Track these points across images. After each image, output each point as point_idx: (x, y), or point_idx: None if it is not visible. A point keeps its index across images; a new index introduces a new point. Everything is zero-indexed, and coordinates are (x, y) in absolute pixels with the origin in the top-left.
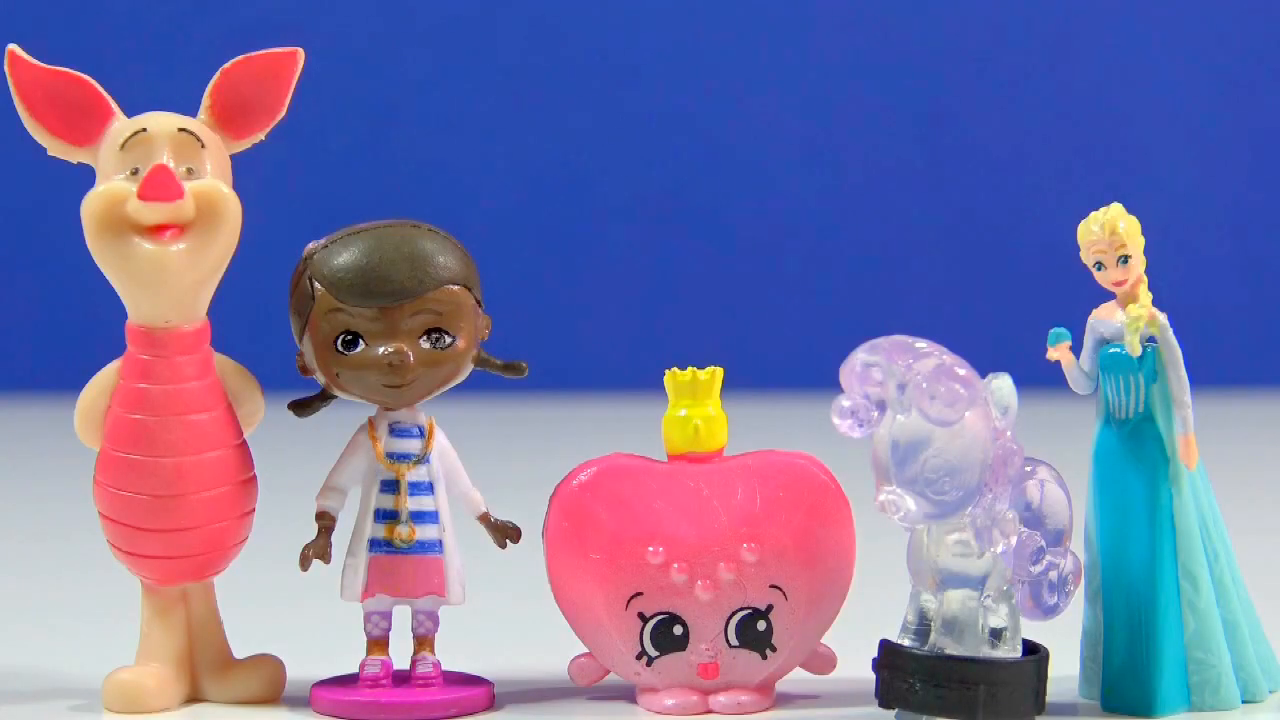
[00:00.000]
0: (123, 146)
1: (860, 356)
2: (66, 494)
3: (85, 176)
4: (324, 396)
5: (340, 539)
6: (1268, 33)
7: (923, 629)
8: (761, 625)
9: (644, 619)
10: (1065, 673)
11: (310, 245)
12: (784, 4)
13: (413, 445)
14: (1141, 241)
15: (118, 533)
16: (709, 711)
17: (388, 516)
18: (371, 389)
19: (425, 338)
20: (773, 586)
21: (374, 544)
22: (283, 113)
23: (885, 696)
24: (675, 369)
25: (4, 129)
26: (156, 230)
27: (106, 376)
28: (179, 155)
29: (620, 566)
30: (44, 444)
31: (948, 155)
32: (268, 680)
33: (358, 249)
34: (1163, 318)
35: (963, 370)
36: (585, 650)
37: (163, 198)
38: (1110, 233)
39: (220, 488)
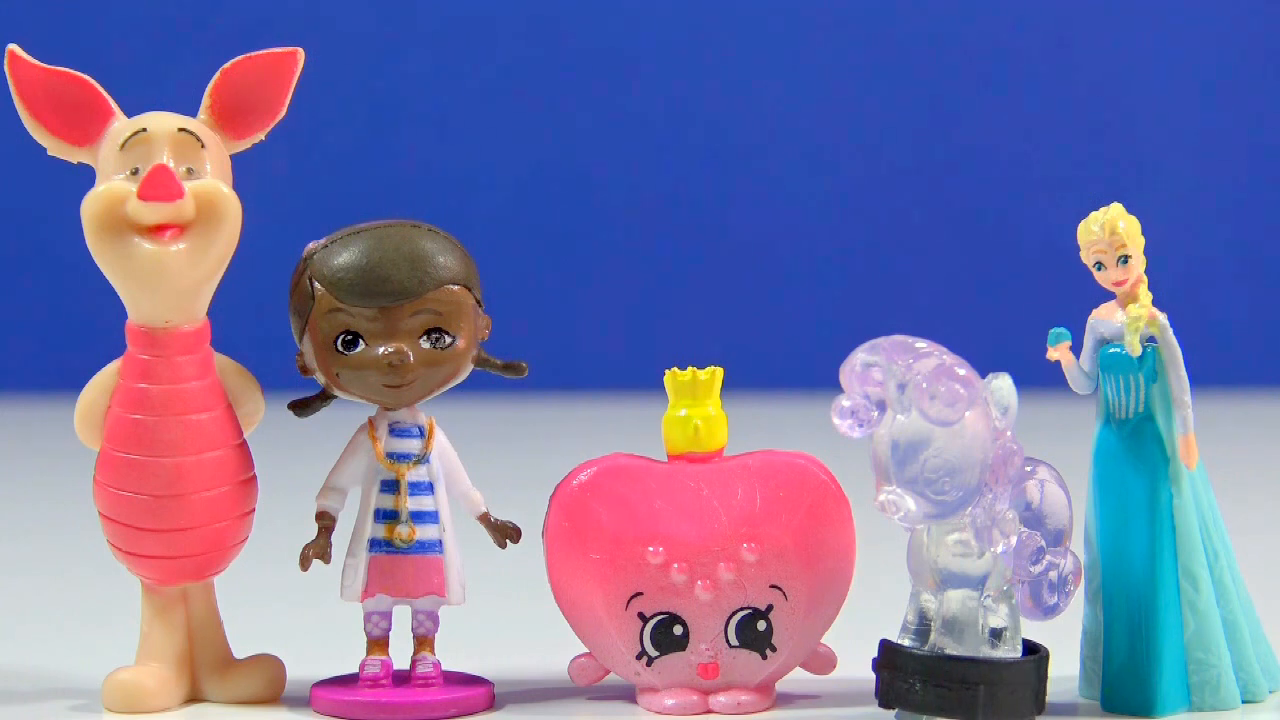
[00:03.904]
0: (123, 146)
1: (860, 356)
2: (66, 494)
3: (85, 176)
4: (324, 396)
5: (340, 539)
6: (1268, 33)
7: (923, 629)
8: (761, 625)
9: (644, 619)
10: (1065, 673)
11: (310, 245)
12: (784, 3)
13: (413, 445)
14: (1141, 241)
15: (118, 533)
16: (709, 711)
17: (388, 516)
18: (371, 389)
19: (425, 338)
20: (773, 586)
21: (374, 544)
22: (283, 113)
23: (885, 696)
24: (675, 369)
25: (4, 129)
26: (156, 230)
27: (106, 376)
28: (179, 155)
29: (620, 566)
30: (44, 444)
31: (948, 155)
32: (268, 680)
33: (358, 249)
34: (1163, 318)
35: (963, 370)
36: (585, 650)
37: (163, 198)
38: (1110, 233)
39: (220, 488)
